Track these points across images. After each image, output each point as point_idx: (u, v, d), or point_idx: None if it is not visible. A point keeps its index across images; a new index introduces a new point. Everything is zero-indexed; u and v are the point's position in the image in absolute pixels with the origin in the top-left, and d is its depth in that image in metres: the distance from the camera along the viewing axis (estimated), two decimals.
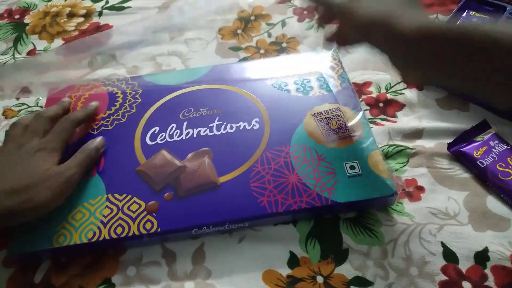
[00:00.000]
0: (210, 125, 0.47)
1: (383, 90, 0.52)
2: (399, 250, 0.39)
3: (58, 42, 0.63)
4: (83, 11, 0.68)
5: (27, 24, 0.67)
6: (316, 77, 0.51)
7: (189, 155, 0.44)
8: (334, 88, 0.50)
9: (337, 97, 0.48)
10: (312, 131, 0.45)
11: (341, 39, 0.43)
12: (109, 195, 0.42)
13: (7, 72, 0.60)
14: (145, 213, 0.40)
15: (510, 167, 0.42)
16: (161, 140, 0.46)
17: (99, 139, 0.45)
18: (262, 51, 0.59)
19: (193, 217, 0.40)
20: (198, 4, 0.68)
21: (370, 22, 0.35)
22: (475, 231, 0.40)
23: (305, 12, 0.64)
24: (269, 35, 0.61)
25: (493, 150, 0.44)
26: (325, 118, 0.46)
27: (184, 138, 0.46)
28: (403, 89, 0.52)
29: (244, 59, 0.58)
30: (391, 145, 0.47)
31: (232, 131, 0.46)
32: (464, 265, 0.38)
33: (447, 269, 0.38)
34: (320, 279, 0.38)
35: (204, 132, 0.46)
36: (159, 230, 0.39)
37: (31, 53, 0.62)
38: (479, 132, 0.46)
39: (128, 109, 0.49)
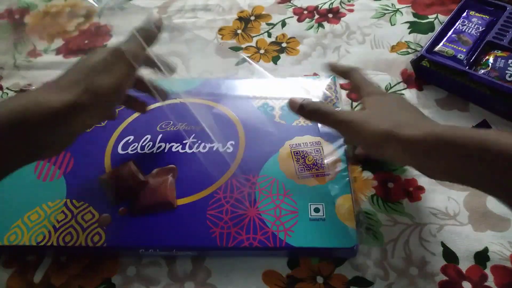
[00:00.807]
0: (184, 141, 0.45)
1: None
2: (399, 250, 0.39)
3: (58, 42, 0.63)
4: (83, 11, 0.68)
5: (26, 24, 0.67)
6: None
7: (154, 171, 0.43)
8: None
9: (321, 130, 0.45)
10: (285, 163, 0.43)
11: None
12: (68, 201, 0.41)
13: (5, 73, 0.60)
14: (96, 225, 0.40)
15: None
16: (132, 151, 0.45)
17: (156, 16, 0.40)
18: (262, 51, 0.59)
19: (142, 237, 0.39)
20: (198, 4, 0.68)
21: (383, 137, 0.33)
22: (475, 231, 0.40)
23: (305, 12, 0.64)
24: (269, 35, 0.61)
25: None
26: (303, 151, 0.44)
27: (155, 151, 0.44)
28: (403, 89, 0.52)
29: (244, 59, 0.58)
30: None
31: (204, 151, 0.44)
32: (464, 265, 0.38)
33: (447, 269, 0.38)
34: (320, 280, 0.38)
35: (176, 148, 0.45)
36: (105, 245, 0.38)
37: (31, 53, 0.62)
38: None
39: None
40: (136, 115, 0.48)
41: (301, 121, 0.46)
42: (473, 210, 0.41)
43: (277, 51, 0.59)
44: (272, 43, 0.60)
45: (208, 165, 0.43)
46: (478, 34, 0.52)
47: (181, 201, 0.40)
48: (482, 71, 0.47)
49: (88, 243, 0.39)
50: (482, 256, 0.38)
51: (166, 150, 0.44)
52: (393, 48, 0.56)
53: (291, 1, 0.66)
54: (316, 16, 0.63)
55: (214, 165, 0.43)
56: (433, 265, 0.38)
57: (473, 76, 0.47)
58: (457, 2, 0.57)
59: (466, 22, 0.54)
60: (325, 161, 0.43)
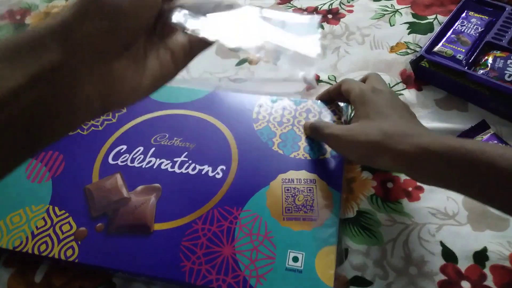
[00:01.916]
0: (175, 159, 0.43)
1: None
2: (398, 250, 0.39)
3: None
4: None
5: (28, 25, 0.67)
6: (307, 137, 0.45)
7: (139, 188, 0.41)
8: (320, 153, 0.43)
9: (318, 166, 0.42)
10: (273, 200, 0.40)
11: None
12: (51, 207, 0.41)
13: None
14: (72, 238, 0.39)
15: None
16: (122, 162, 0.43)
17: None
18: (261, 51, 0.59)
19: (113, 259, 0.37)
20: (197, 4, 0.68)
21: (372, 149, 0.34)
22: (474, 230, 0.40)
23: (304, 13, 0.64)
24: None
25: None
26: (294, 188, 0.40)
27: (144, 166, 0.43)
28: (402, 89, 0.52)
29: (244, 60, 0.58)
30: None
31: (193, 173, 0.42)
32: (463, 265, 0.38)
33: (446, 268, 0.38)
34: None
35: (165, 165, 0.43)
36: (76, 261, 0.37)
37: None
38: (478, 132, 0.46)
39: (110, 117, 0.47)
40: (132, 123, 0.46)
41: (300, 154, 0.43)
42: (472, 210, 0.41)
43: (277, 52, 0.59)
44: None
45: (193, 189, 0.41)
46: (477, 34, 0.52)
47: (158, 226, 0.39)
48: (481, 71, 0.47)
49: (61, 256, 0.38)
50: (481, 256, 0.39)
51: (155, 167, 0.43)
52: (392, 49, 0.56)
53: (291, 2, 0.66)
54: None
55: (199, 191, 0.41)
56: (432, 265, 0.38)
57: (472, 76, 0.47)
58: (456, 2, 0.58)
59: (465, 22, 0.54)
60: (316, 204, 0.40)
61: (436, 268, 0.38)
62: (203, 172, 0.42)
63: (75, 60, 0.24)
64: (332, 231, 0.38)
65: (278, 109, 0.47)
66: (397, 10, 0.61)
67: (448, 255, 0.39)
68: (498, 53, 0.49)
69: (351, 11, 0.63)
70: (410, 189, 0.43)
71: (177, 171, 0.42)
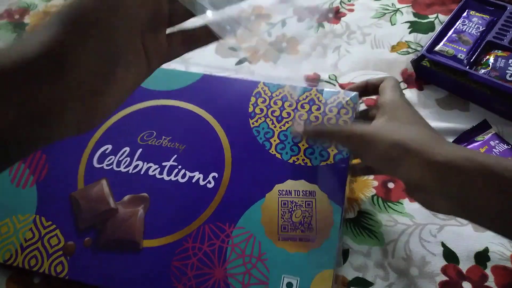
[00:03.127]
0: (164, 163, 0.39)
1: None
2: (399, 251, 0.39)
3: None
4: None
5: (27, 24, 0.67)
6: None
7: (126, 198, 0.38)
8: (322, 158, 0.38)
9: (319, 174, 0.38)
10: (268, 216, 0.36)
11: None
12: (37, 217, 0.39)
13: None
14: (61, 252, 0.37)
15: None
16: (107, 165, 0.40)
17: None
18: (261, 51, 0.59)
19: (104, 276, 0.36)
20: None
21: (400, 150, 0.29)
22: (475, 231, 0.40)
23: (305, 12, 0.64)
24: (269, 35, 0.61)
25: (494, 150, 0.44)
26: (292, 202, 0.37)
27: (131, 171, 0.39)
28: (403, 89, 0.52)
29: (244, 59, 0.57)
30: None
31: (183, 181, 0.38)
32: (464, 265, 0.38)
33: (447, 269, 0.38)
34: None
35: (153, 171, 0.39)
36: (67, 277, 0.36)
37: None
38: (480, 132, 0.46)
39: None
40: (117, 116, 0.42)
41: (300, 159, 0.38)
42: None
43: (277, 50, 0.59)
44: (272, 43, 0.60)
45: (183, 200, 0.38)
46: (479, 33, 0.52)
47: (148, 243, 0.37)
48: (483, 70, 0.47)
49: (51, 272, 0.37)
50: (482, 256, 0.38)
51: (142, 172, 0.39)
52: (393, 48, 0.56)
53: (292, 1, 0.66)
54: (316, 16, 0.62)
55: (190, 203, 0.37)
56: (433, 265, 0.38)
57: (473, 76, 0.47)
58: (458, 1, 0.57)
59: (467, 21, 0.54)
60: (315, 221, 0.36)
61: (437, 268, 0.38)
62: (193, 181, 0.38)
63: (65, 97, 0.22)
64: (330, 254, 0.35)
65: (277, 100, 0.41)
66: (398, 9, 0.61)
67: (449, 255, 0.39)
68: (500, 53, 0.48)
69: (351, 10, 0.62)
70: None
71: (166, 178, 0.39)
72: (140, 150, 0.40)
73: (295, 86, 0.41)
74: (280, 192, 0.37)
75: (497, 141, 0.44)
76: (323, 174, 0.38)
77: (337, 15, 0.62)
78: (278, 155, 0.39)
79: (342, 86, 0.52)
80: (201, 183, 0.38)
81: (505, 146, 0.44)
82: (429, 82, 0.52)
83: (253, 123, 0.41)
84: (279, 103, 0.41)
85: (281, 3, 0.66)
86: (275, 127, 0.40)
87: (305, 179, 0.38)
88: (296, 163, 0.38)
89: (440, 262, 0.38)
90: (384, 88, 0.36)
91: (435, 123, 0.48)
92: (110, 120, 0.42)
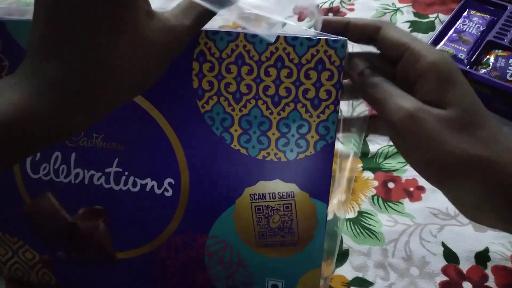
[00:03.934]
0: (107, 170, 0.32)
1: None
2: (399, 251, 0.39)
3: None
4: None
5: None
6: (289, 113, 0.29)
7: (81, 211, 0.33)
8: (299, 148, 0.30)
9: (297, 170, 0.30)
10: (242, 223, 0.31)
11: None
12: (1, 234, 0.35)
13: None
14: (41, 265, 0.35)
15: None
16: (45, 176, 0.33)
17: None
18: None
19: (91, 284, 0.34)
20: None
21: (472, 164, 0.23)
22: (475, 231, 0.40)
23: (305, 11, 0.63)
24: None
25: None
26: (267, 206, 0.31)
27: (73, 181, 0.32)
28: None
29: None
30: (391, 145, 0.47)
31: (135, 190, 0.32)
32: (464, 266, 0.38)
33: (447, 269, 0.38)
34: (320, 281, 0.38)
35: (98, 180, 0.32)
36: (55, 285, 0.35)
37: None
38: None
39: None
40: None
41: (271, 152, 0.30)
42: None
43: None
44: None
45: (143, 212, 0.32)
46: (479, 33, 0.52)
47: (122, 255, 0.33)
48: (483, 70, 0.47)
49: (40, 281, 0.35)
50: (482, 256, 0.38)
51: (86, 181, 0.32)
52: None
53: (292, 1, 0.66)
54: None
55: (151, 214, 0.32)
56: (433, 266, 0.38)
57: (473, 75, 0.47)
58: (458, 1, 0.57)
59: (467, 21, 0.53)
60: (297, 224, 0.31)
61: (438, 268, 0.38)
62: (147, 189, 0.31)
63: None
64: (316, 255, 0.31)
65: (231, 65, 0.29)
66: (398, 9, 0.61)
67: (450, 255, 0.39)
68: (500, 52, 0.48)
69: (352, 10, 0.62)
70: (411, 189, 0.43)
71: (115, 187, 0.32)
72: (74, 154, 0.32)
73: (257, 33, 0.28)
74: (252, 196, 0.31)
75: None
76: (302, 168, 0.30)
77: (337, 14, 0.62)
78: (243, 150, 0.30)
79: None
80: (157, 191, 0.31)
81: None
82: None
83: (203, 106, 0.30)
84: (234, 69, 0.29)
85: (281, 3, 0.66)
86: (233, 110, 0.29)
87: (280, 178, 0.30)
88: (266, 159, 0.30)
89: (440, 262, 0.38)
90: (401, 37, 0.25)
91: None
92: None
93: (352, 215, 0.42)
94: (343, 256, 0.39)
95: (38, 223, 0.34)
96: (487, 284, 0.37)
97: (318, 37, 0.28)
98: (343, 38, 0.27)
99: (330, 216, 0.33)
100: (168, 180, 0.31)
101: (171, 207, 0.32)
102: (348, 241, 0.40)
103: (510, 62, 0.47)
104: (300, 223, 0.31)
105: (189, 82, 0.29)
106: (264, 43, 0.28)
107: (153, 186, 0.32)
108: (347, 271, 0.38)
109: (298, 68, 0.28)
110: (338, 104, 0.29)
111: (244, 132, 0.30)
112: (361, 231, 0.41)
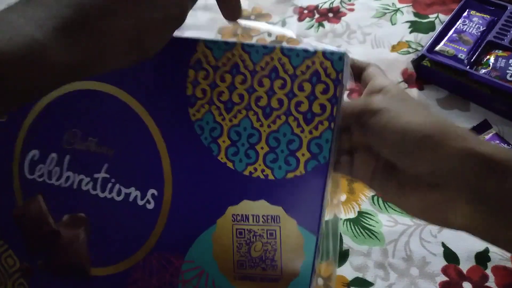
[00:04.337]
0: (95, 175, 0.31)
1: None
2: (399, 251, 0.39)
3: None
4: None
5: None
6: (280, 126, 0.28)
7: (65, 218, 0.32)
8: (288, 167, 0.28)
9: (285, 191, 0.28)
10: (221, 248, 0.29)
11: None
12: None
13: None
14: (19, 274, 0.33)
15: None
16: (39, 177, 0.32)
17: None
18: None
19: None
20: (197, 3, 0.67)
21: (440, 134, 0.23)
22: None
23: (305, 11, 0.64)
24: (269, 35, 0.61)
25: None
26: (250, 231, 0.28)
27: (63, 184, 0.32)
28: (404, 89, 0.52)
29: None
30: None
31: (119, 199, 0.31)
32: (464, 266, 0.38)
33: (447, 269, 0.38)
34: (320, 281, 0.38)
35: (86, 185, 0.31)
36: None
37: None
38: (480, 132, 0.46)
39: None
40: (39, 107, 0.33)
41: (258, 169, 0.28)
42: None
43: None
44: (272, 42, 0.60)
45: (124, 223, 0.31)
46: (479, 33, 0.52)
47: (96, 271, 0.32)
48: (483, 70, 0.47)
49: None
50: (482, 257, 0.38)
51: (75, 186, 0.32)
52: (393, 48, 0.56)
53: (292, 1, 0.66)
54: (317, 16, 0.62)
55: (131, 227, 0.31)
56: (433, 266, 0.38)
57: (474, 75, 0.47)
58: (458, 1, 0.57)
59: (467, 21, 0.53)
60: (280, 256, 0.28)
61: (438, 269, 0.38)
62: (130, 199, 0.30)
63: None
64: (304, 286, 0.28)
65: (225, 73, 0.28)
66: (398, 9, 0.61)
67: (450, 256, 0.39)
68: (500, 53, 0.48)
69: (352, 10, 0.62)
70: None
71: (101, 195, 0.31)
72: (68, 157, 0.32)
73: (252, 44, 0.28)
74: (235, 217, 0.28)
75: (498, 141, 0.44)
76: (291, 190, 0.28)
77: (337, 14, 0.62)
78: (229, 164, 0.28)
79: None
80: (140, 202, 0.30)
81: (506, 146, 0.44)
82: (430, 82, 0.52)
83: (194, 114, 0.29)
84: (228, 78, 0.28)
85: (281, 3, 0.66)
86: (223, 119, 0.28)
87: (265, 198, 0.28)
88: (253, 175, 0.28)
89: (440, 262, 0.38)
90: (375, 74, 0.30)
91: None
92: (29, 116, 0.33)
93: (352, 215, 0.42)
94: (343, 256, 0.39)
95: (25, 226, 0.34)
96: (487, 284, 0.37)
97: (315, 49, 0.27)
98: (342, 50, 0.26)
99: (330, 216, 0.32)
100: (151, 191, 0.30)
101: (151, 220, 0.30)
102: (348, 241, 0.40)
103: (510, 62, 0.47)
104: (284, 255, 0.28)
105: (183, 89, 0.29)
106: (260, 53, 0.28)
107: (136, 196, 0.30)
108: (347, 271, 0.38)
109: (292, 79, 0.27)
110: (334, 121, 0.26)
111: (232, 144, 0.28)
112: (361, 231, 0.41)
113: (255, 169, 0.28)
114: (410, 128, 0.24)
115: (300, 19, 0.63)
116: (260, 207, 0.28)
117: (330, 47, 0.27)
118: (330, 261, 0.33)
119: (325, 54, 0.27)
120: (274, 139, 0.28)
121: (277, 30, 0.31)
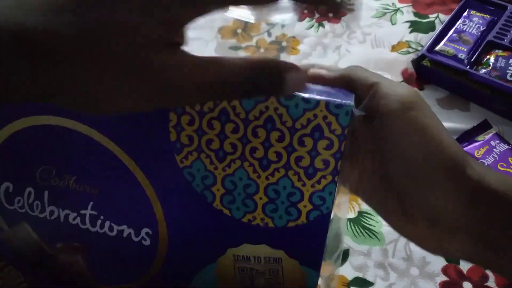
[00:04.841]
0: (82, 212, 0.29)
1: None
2: (399, 251, 0.39)
3: None
4: None
5: None
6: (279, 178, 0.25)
7: (59, 245, 0.31)
8: (291, 217, 0.26)
9: (286, 237, 0.27)
10: (224, 281, 0.29)
11: None
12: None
13: None
14: (25, 284, 0.33)
15: (511, 167, 0.42)
16: (20, 208, 0.30)
17: None
18: (262, 51, 0.59)
19: None
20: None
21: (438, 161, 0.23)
22: None
23: (305, 11, 0.63)
24: (269, 35, 0.61)
25: (494, 150, 0.44)
26: (251, 269, 0.28)
27: (48, 217, 0.29)
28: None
29: None
30: None
31: (112, 234, 0.29)
32: (465, 266, 0.38)
33: (448, 269, 0.38)
34: (320, 281, 0.38)
35: (74, 219, 0.29)
36: None
37: None
38: (480, 132, 0.46)
39: None
40: (11, 129, 0.29)
41: (257, 217, 0.26)
42: None
43: (277, 50, 0.59)
44: (272, 42, 0.60)
45: (121, 256, 0.30)
46: (479, 33, 0.52)
47: None
48: (483, 70, 0.47)
49: None
50: None
51: (62, 219, 0.29)
52: (393, 48, 0.56)
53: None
54: (316, 16, 0.62)
55: (129, 259, 0.29)
56: (434, 266, 0.38)
57: (474, 75, 0.47)
58: (458, 1, 0.57)
59: (467, 21, 0.53)
60: None
61: (438, 269, 0.38)
62: (124, 235, 0.29)
63: None
64: None
65: (213, 120, 0.25)
66: (398, 9, 0.61)
67: None
68: (500, 52, 0.48)
69: (352, 10, 0.62)
70: None
71: (92, 229, 0.29)
72: (47, 192, 0.29)
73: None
74: (236, 257, 0.27)
75: (498, 141, 0.44)
76: (292, 237, 0.26)
77: (337, 14, 0.62)
78: (226, 211, 0.26)
79: None
80: (134, 239, 0.29)
81: (506, 146, 0.44)
82: (430, 82, 0.52)
83: (181, 161, 0.26)
84: (217, 125, 0.25)
85: (280, 3, 0.66)
86: (215, 168, 0.26)
87: (267, 243, 0.27)
88: (252, 223, 0.26)
89: (440, 262, 0.38)
90: (387, 93, 0.25)
91: None
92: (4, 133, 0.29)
93: (352, 215, 0.42)
94: (343, 256, 0.39)
95: (19, 250, 0.32)
96: (487, 284, 0.37)
97: (317, 99, 0.23)
98: (349, 103, 0.23)
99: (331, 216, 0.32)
100: (145, 229, 0.28)
101: (149, 256, 0.29)
102: (348, 241, 0.40)
103: (510, 62, 0.47)
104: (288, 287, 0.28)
105: (166, 134, 0.26)
106: (252, 100, 0.24)
107: (130, 233, 0.28)
108: (347, 271, 0.38)
109: (291, 133, 0.24)
110: (338, 174, 0.24)
111: (227, 193, 0.26)
112: (361, 231, 0.41)
113: (254, 217, 0.26)
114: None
115: (300, 19, 0.63)
116: (261, 250, 0.27)
117: (334, 96, 0.23)
118: (332, 262, 0.34)
119: (329, 107, 0.23)
120: (274, 191, 0.26)
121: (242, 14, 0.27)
